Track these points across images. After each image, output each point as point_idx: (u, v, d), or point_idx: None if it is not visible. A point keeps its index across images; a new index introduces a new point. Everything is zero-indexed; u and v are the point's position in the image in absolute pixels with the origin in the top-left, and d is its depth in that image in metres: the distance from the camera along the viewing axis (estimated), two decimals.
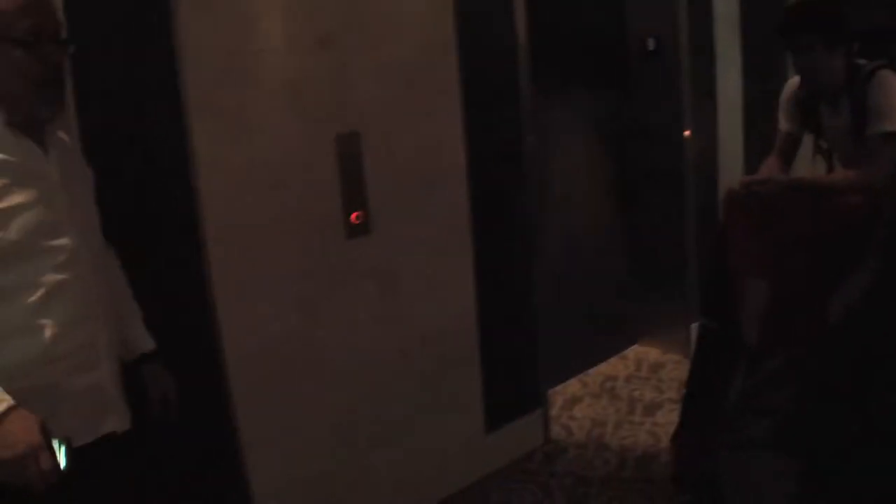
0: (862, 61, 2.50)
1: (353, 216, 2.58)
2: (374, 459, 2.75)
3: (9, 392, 1.44)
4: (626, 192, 4.18)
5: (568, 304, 3.82)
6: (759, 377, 2.46)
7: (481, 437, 3.13)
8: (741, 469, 2.42)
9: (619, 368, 4.12)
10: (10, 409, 1.35)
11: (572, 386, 3.93)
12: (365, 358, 2.68)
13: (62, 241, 1.55)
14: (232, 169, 2.29)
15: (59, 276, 1.53)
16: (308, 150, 2.46)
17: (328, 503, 2.66)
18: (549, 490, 3.02)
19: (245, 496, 2.44)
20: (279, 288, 2.44)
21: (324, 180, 2.51)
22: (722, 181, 4.03)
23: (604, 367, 4.13)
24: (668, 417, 3.44)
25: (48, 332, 1.51)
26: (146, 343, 1.90)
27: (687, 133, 3.85)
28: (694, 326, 3.43)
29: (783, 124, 2.75)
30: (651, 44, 3.88)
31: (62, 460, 1.38)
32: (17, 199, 1.47)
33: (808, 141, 2.76)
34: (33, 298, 1.49)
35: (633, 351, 4.31)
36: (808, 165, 2.78)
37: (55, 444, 1.37)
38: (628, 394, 3.81)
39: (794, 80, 2.68)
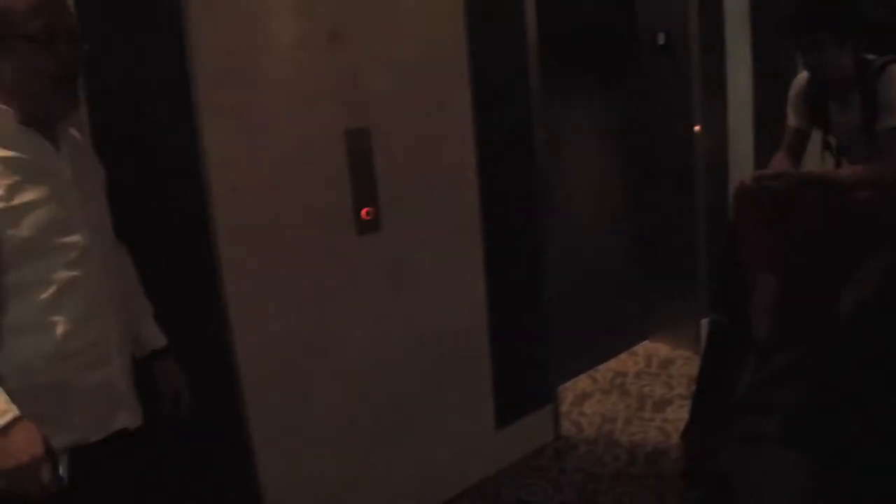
0: (871, 56, 2.48)
1: (364, 212, 2.58)
2: (385, 456, 2.75)
3: (20, 389, 1.46)
4: (635, 187, 4.17)
5: (578, 301, 3.82)
6: (769, 372, 2.45)
7: (492, 434, 3.14)
8: (751, 464, 2.41)
9: (629, 364, 4.11)
10: (15, 420, 1.37)
11: (582, 382, 3.94)
12: (375, 354, 2.68)
13: (74, 237, 1.56)
14: (242, 165, 2.30)
15: (70, 273, 1.54)
16: (318, 147, 2.46)
17: (338, 500, 2.66)
18: (560, 486, 3.02)
19: (255, 493, 2.45)
20: (290, 285, 2.45)
21: (334, 176, 2.51)
22: (732, 177, 4.02)
23: (614, 364, 4.13)
24: (678, 413, 3.44)
25: (60, 329, 1.52)
26: (157, 340, 1.91)
27: (697, 128, 3.84)
28: (704, 322, 3.42)
29: (792, 120, 2.74)
30: (661, 38, 3.87)
31: (63, 473, 1.42)
32: (29, 196, 1.49)
33: (816, 137, 2.75)
34: (45, 295, 1.50)
35: (643, 347, 4.31)
36: (817, 161, 2.76)
37: (56, 456, 1.41)
38: (638, 390, 3.81)
39: (802, 76, 2.67)
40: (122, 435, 1.66)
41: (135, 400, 1.74)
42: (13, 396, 1.44)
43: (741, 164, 4.07)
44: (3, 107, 1.50)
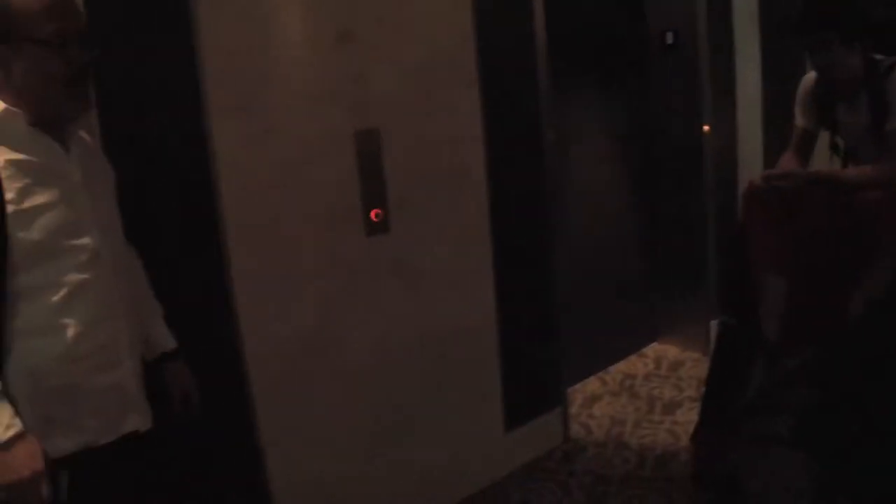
0: (879, 56, 2.47)
1: (373, 213, 2.58)
2: (393, 458, 2.75)
3: (31, 391, 1.48)
4: (644, 187, 4.16)
5: (586, 302, 3.81)
6: (779, 374, 2.44)
7: (501, 436, 3.13)
8: (761, 466, 2.41)
9: (638, 366, 4.10)
10: (18, 436, 1.41)
11: (591, 384, 3.92)
12: (384, 356, 2.68)
13: (84, 240, 1.56)
14: (251, 166, 2.30)
15: (80, 276, 1.54)
16: (327, 148, 2.47)
17: (346, 501, 2.66)
18: (569, 489, 3.01)
19: (264, 494, 2.45)
20: (299, 286, 2.45)
21: (343, 178, 2.51)
22: (741, 177, 4.01)
23: (623, 366, 4.12)
24: (688, 416, 3.42)
25: (70, 332, 1.53)
26: (167, 342, 1.92)
27: (706, 128, 3.83)
28: (713, 324, 3.41)
29: (799, 120, 2.73)
30: (670, 38, 3.86)
31: (62, 487, 1.46)
32: (39, 199, 1.49)
33: (824, 137, 2.74)
34: (55, 298, 1.51)
35: (653, 349, 4.29)
36: (824, 162, 2.75)
37: (57, 472, 1.45)
38: (648, 392, 3.79)
39: (810, 76, 2.66)
40: (131, 437, 1.67)
41: (144, 402, 1.74)
42: (23, 399, 1.47)
43: (750, 164, 4.05)
44: (14, 109, 1.50)
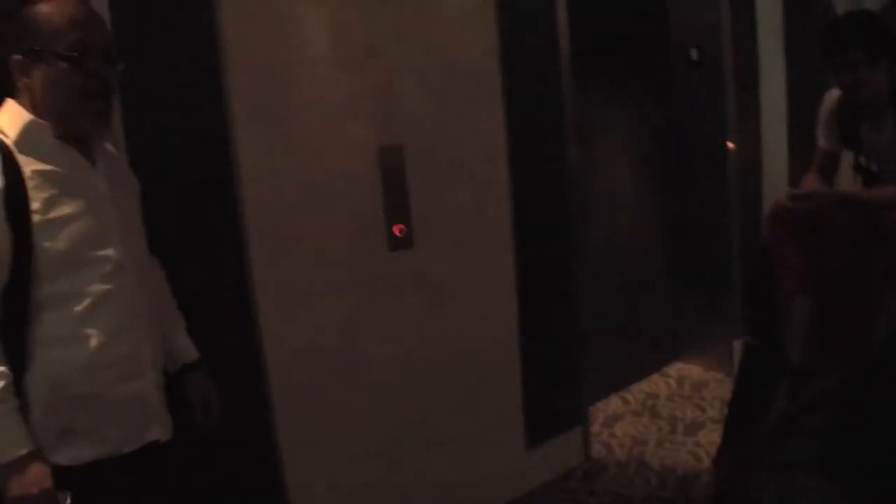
0: None
1: (396, 229, 2.59)
2: (413, 473, 2.74)
3: (53, 400, 1.50)
4: (668, 205, 4.14)
5: (609, 321, 3.79)
6: (803, 398, 2.40)
7: (522, 454, 3.11)
8: (783, 491, 2.36)
9: (660, 386, 4.06)
10: (31, 454, 1.45)
11: (613, 403, 3.89)
12: (405, 370, 2.68)
13: (108, 251, 1.58)
14: (275, 180, 2.32)
15: (104, 287, 1.56)
16: (352, 163, 2.48)
17: None
18: None
19: None
20: (321, 299, 2.46)
21: (367, 193, 2.52)
22: (766, 195, 3.97)
23: (645, 385, 4.08)
24: (710, 437, 3.38)
25: (94, 342, 1.54)
26: (189, 353, 1.93)
27: (730, 145, 3.80)
28: (737, 344, 3.37)
29: (822, 141, 2.70)
30: (694, 54, 3.85)
31: None
32: (65, 209, 1.51)
33: (846, 157, 2.70)
34: (79, 308, 1.52)
35: (676, 368, 4.25)
36: (849, 182, 2.72)
37: (65, 494, 1.49)
38: (670, 412, 3.75)
39: (832, 94, 2.63)
40: (151, 447, 1.67)
41: (166, 413, 1.75)
42: (42, 408, 1.49)
43: (775, 181, 4.02)
44: (41, 121, 1.53)
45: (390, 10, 2.52)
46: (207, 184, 2.23)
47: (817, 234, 2.42)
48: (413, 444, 2.74)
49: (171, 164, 2.14)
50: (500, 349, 2.99)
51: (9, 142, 1.49)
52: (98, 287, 1.55)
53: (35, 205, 1.47)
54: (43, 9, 1.52)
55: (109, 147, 1.72)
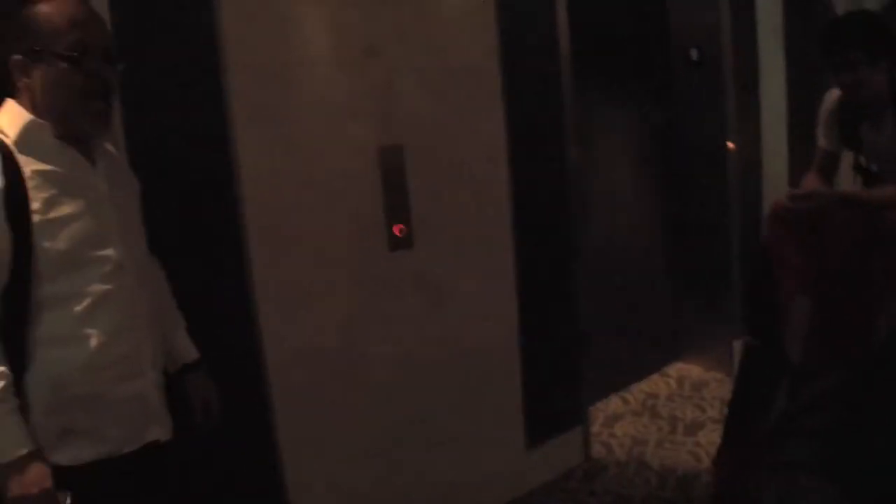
0: None
1: (396, 229, 2.59)
2: (413, 473, 2.74)
3: (53, 400, 1.50)
4: (668, 205, 4.14)
5: (609, 321, 3.79)
6: (803, 398, 2.40)
7: (522, 454, 3.11)
8: (783, 491, 2.36)
9: (660, 386, 4.06)
10: (31, 454, 1.45)
11: (613, 403, 3.89)
12: (405, 370, 2.68)
13: (108, 251, 1.58)
14: (275, 180, 2.32)
15: (104, 287, 1.56)
16: (352, 163, 2.48)
17: None
18: None
19: None
20: (321, 299, 2.46)
21: (367, 193, 2.53)
22: (766, 195, 3.97)
23: (645, 385, 4.08)
24: (710, 437, 3.38)
25: (93, 342, 1.54)
26: (189, 353, 1.93)
27: (730, 145, 3.80)
28: (737, 344, 3.37)
29: (822, 141, 2.70)
30: (694, 54, 3.85)
31: None
32: (65, 209, 1.51)
33: (846, 157, 2.70)
34: (79, 308, 1.52)
35: (676, 368, 4.25)
36: (849, 182, 2.72)
37: (65, 494, 1.49)
38: (670, 412, 3.75)
39: (832, 94, 2.63)
40: (151, 447, 1.68)
41: (166, 414, 1.75)
42: (42, 408, 1.49)
43: (775, 180, 4.02)
44: (41, 121, 1.53)
45: (390, 10, 2.52)
46: (207, 184, 2.23)
47: (817, 234, 2.42)
48: (413, 444, 2.74)
49: (171, 164, 2.14)
50: (500, 349, 2.99)
51: (9, 142, 1.49)
52: (98, 287, 1.55)
53: (35, 205, 1.47)
54: (43, 9, 1.52)
55: (110, 147, 1.72)
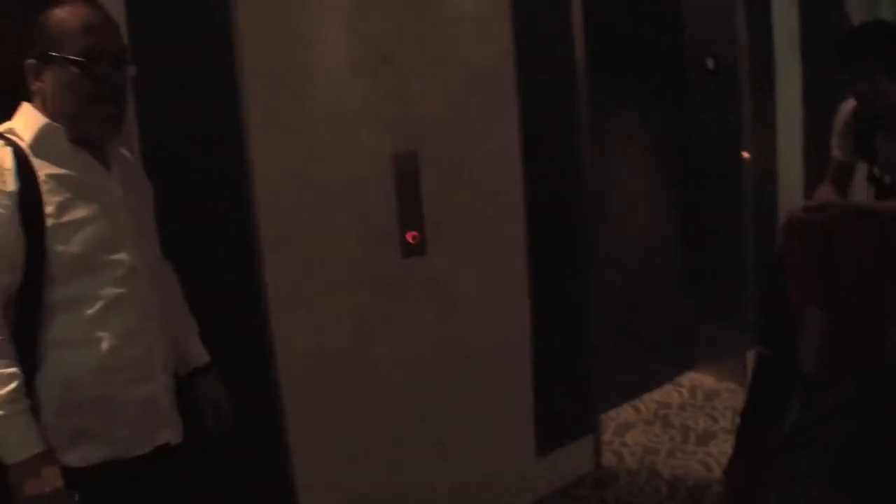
0: None
1: (410, 236, 2.59)
2: (423, 478, 2.74)
3: (65, 402, 1.51)
4: (683, 215, 4.13)
5: (622, 329, 3.78)
6: (816, 410, 2.39)
7: (532, 460, 3.10)
8: (794, 502, 2.35)
9: (673, 395, 4.04)
10: (43, 454, 1.46)
11: (625, 412, 3.88)
12: (417, 375, 2.68)
13: (121, 255, 1.59)
14: (289, 185, 2.33)
15: (117, 290, 1.57)
16: (366, 169, 2.49)
17: None
18: None
19: None
20: (334, 304, 2.47)
21: (381, 199, 2.53)
22: (781, 205, 3.95)
23: (657, 394, 4.06)
24: (722, 448, 3.36)
25: (105, 345, 1.55)
26: (201, 357, 1.93)
27: (746, 155, 3.79)
28: (750, 354, 3.35)
29: (836, 152, 2.68)
30: (710, 64, 3.84)
31: None
32: (79, 213, 1.52)
33: (861, 168, 2.69)
34: (92, 311, 1.53)
35: (688, 378, 4.23)
36: (864, 194, 2.70)
37: (74, 494, 1.50)
38: (682, 422, 3.74)
39: (847, 105, 2.61)
40: (161, 450, 1.68)
41: (176, 417, 1.76)
42: (53, 410, 1.50)
43: (790, 191, 4.00)
44: (55, 124, 1.54)
45: (405, 16, 2.52)
46: (221, 188, 2.24)
47: (831, 245, 2.40)
48: (424, 449, 2.74)
49: (185, 168, 2.15)
50: (512, 356, 2.98)
51: (24, 145, 1.51)
52: (111, 291, 1.56)
53: (49, 208, 1.49)
54: (59, 14, 1.54)
55: (124, 151, 1.74)
